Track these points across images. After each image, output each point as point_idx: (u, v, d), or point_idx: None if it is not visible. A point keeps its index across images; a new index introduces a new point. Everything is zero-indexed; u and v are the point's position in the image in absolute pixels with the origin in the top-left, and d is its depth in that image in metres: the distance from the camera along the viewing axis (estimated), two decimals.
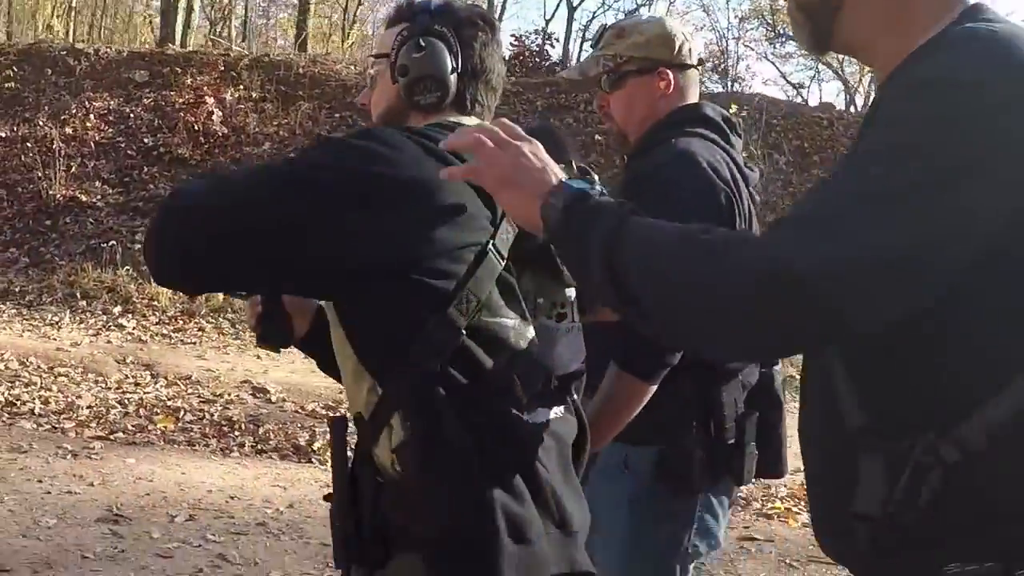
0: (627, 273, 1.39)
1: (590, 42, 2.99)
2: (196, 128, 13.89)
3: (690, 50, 2.73)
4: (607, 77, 2.72)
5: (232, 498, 5.62)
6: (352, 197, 1.72)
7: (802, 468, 1.58)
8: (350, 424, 1.89)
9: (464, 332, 1.74)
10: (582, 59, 3.40)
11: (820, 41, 1.58)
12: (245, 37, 28.05)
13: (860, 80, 29.45)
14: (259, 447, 6.86)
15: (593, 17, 30.33)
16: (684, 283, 1.34)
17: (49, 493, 5.43)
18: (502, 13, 26.33)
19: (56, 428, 6.83)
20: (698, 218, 1.53)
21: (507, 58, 9.12)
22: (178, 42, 19.38)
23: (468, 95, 1.97)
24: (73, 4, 28.23)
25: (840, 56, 29.67)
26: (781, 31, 28.14)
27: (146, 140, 14.04)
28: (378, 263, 1.74)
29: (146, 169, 13.59)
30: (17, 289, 11.40)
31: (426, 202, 1.74)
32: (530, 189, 1.55)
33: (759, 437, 2.61)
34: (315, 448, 6.82)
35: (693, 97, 2.77)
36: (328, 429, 2.03)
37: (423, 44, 1.91)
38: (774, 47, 31.12)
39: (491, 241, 1.79)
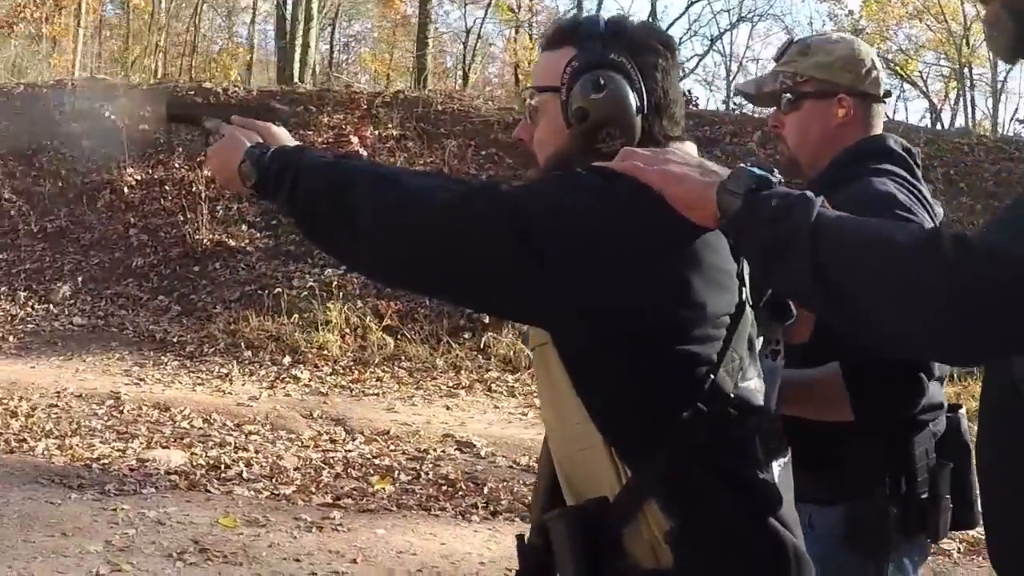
0: (834, 263, 1.38)
1: (774, 56, 2.71)
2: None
3: (876, 79, 2.53)
4: (785, 96, 2.54)
5: (510, 570, 5.18)
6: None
7: None
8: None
9: (732, 397, 1.61)
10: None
11: (1020, 47, 1.50)
12: (331, 73, 27.96)
13: (945, 98, 28.79)
14: (492, 508, 6.43)
15: (680, 42, 30.01)
16: (905, 280, 1.34)
17: (315, 575, 5.05)
18: None
19: (277, 495, 6.46)
20: None
21: None
22: (297, 79, 19.26)
23: (654, 135, 1.75)
24: (160, 44, 28.44)
25: (926, 74, 29.50)
26: None
27: None
28: (638, 331, 1.59)
29: None
30: (175, 339, 11.18)
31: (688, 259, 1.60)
32: (699, 179, 1.53)
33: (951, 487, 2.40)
34: None
35: (876, 129, 2.56)
36: (558, 521, 1.67)
37: (603, 83, 1.69)
38: None
39: (744, 289, 1.68)
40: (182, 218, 13.29)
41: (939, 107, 29.77)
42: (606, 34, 1.75)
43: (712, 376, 1.59)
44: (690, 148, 1.78)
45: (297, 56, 20.41)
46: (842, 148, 2.48)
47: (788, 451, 1.76)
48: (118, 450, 7.34)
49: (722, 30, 29.74)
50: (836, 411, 2.21)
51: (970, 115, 26.65)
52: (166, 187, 14.01)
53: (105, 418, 8.30)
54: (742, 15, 30.38)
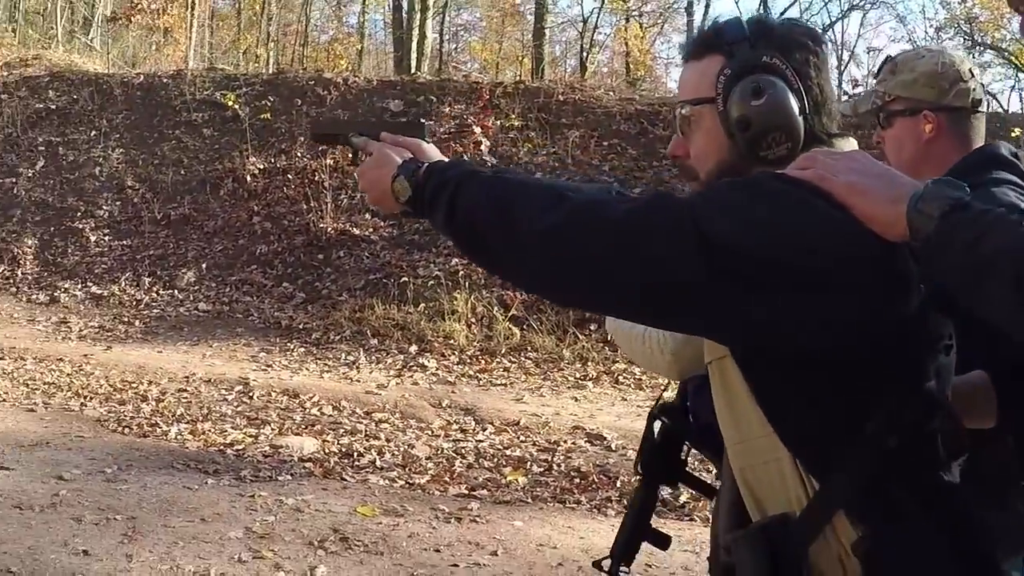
0: None
1: (874, 75, 2.70)
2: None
3: (963, 91, 2.45)
4: (880, 115, 2.53)
5: (648, 566, 4.97)
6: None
7: None
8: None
9: (917, 398, 1.53)
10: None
11: None
12: (442, 62, 27.93)
13: None
14: (626, 501, 6.21)
15: None
16: None
17: (457, 566, 4.92)
18: None
19: (411, 484, 6.35)
20: None
21: None
22: (414, 69, 19.23)
23: (816, 135, 1.68)
24: (272, 34, 28.73)
25: None
26: (978, 39, 26.66)
27: None
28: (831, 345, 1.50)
29: None
30: (301, 326, 11.18)
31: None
32: (887, 193, 1.45)
33: None
34: (681, 503, 6.12)
35: (976, 139, 2.49)
36: (743, 544, 1.60)
37: (761, 88, 1.62)
38: (972, 56, 29.45)
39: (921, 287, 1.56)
40: (305, 206, 13.30)
41: None
42: (752, 36, 1.68)
43: (898, 379, 1.52)
44: (852, 144, 1.72)
45: (414, 46, 20.38)
46: (939, 164, 2.40)
47: (967, 451, 1.65)
48: (250, 436, 7.32)
49: (833, 19, 28.92)
50: (979, 418, 2.08)
51: None
52: (288, 176, 14.04)
53: (235, 404, 8.30)
54: (853, 3, 29.53)
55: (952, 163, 2.41)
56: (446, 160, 1.88)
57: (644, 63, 27.92)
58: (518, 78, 17.53)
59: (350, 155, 2.07)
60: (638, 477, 2.38)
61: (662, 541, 2.33)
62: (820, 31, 1.82)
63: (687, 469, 2.34)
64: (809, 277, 1.47)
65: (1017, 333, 1.38)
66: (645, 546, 2.29)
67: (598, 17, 24.93)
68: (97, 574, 4.65)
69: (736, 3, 26.12)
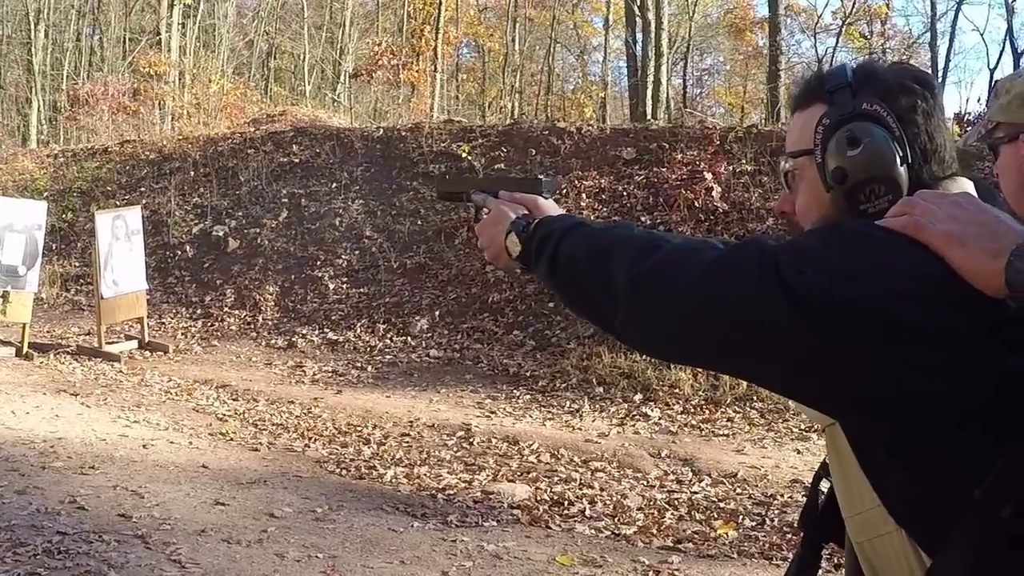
0: None
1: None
2: (695, 205, 13.25)
3: None
4: (988, 144, 2.26)
5: None
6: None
7: None
8: None
9: None
10: None
11: None
12: (684, 106, 27.67)
13: None
14: (835, 560, 5.82)
15: None
16: None
17: None
18: (946, 68, 23.97)
19: (617, 535, 6.15)
20: None
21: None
22: (649, 116, 19.15)
23: (924, 185, 1.52)
24: (515, 85, 29.23)
25: None
26: None
27: (643, 218, 13.58)
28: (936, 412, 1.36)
29: None
30: (528, 373, 11.17)
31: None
32: (987, 245, 1.31)
33: None
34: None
35: None
36: None
37: (858, 137, 1.52)
38: None
39: None
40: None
41: None
42: (855, 83, 1.57)
43: (1008, 440, 1.35)
44: (965, 186, 1.58)
45: (649, 93, 20.32)
46: None
47: None
48: (464, 481, 7.29)
49: None
50: None
51: None
52: None
53: (455, 449, 8.31)
54: None
55: None
56: (554, 215, 1.88)
57: None
58: (751, 123, 17.15)
59: (473, 212, 2.09)
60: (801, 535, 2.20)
61: None
62: (932, 76, 1.60)
63: None
64: (899, 327, 1.33)
65: None
66: None
67: (833, 56, 24.19)
68: None
69: (981, 35, 24.95)
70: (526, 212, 1.92)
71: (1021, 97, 2.16)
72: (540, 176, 2.13)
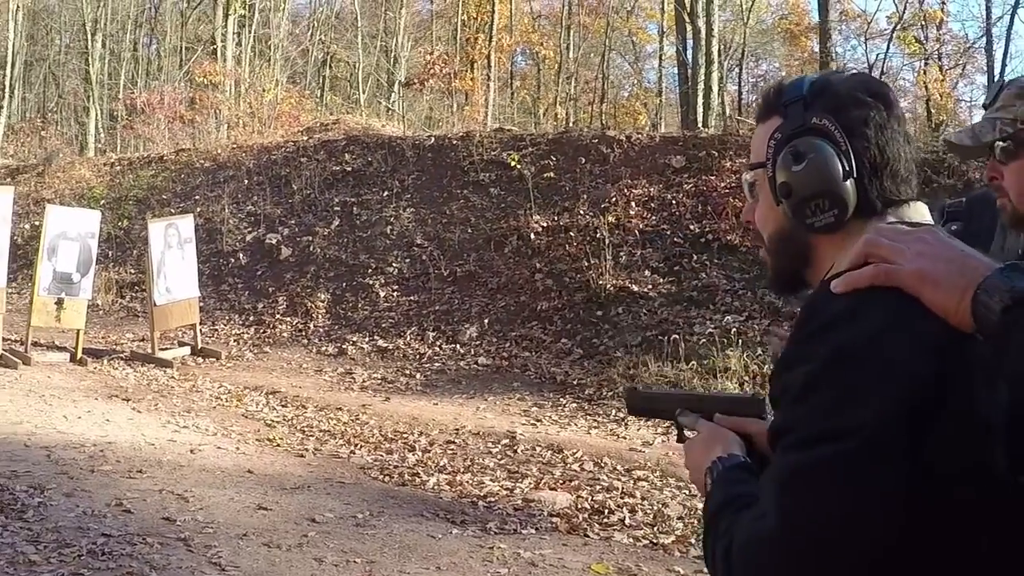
0: None
1: (983, 101, 2.36)
2: None
3: None
4: (999, 145, 2.21)
5: None
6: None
7: None
8: None
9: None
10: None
11: None
12: (739, 113, 27.52)
13: None
14: None
15: None
16: None
17: None
18: (1002, 72, 23.50)
19: (655, 544, 6.15)
20: None
21: None
22: (700, 124, 19.08)
23: (871, 200, 1.51)
24: (570, 93, 29.23)
25: None
26: None
27: (692, 227, 13.58)
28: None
29: (695, 257, 13.07)
30: (575, 382, 11.20)
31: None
32: (956, 280, 1.30)
33: None
34: None
35: None
36: None
37: (802, 152, 1.52)
38: None
39: None
40: (586, 263, 13.39)
41: None
42: (809, 96, 1.56)
43: (995, 496, 1.29)
44: (921, 211, 1.55)
45: (700, 100, 20.26)
46: None
47: None
48: (506, 489, 7.32)
49: None
50: None
51: None
52: (571, 233, 14.19)
53: (498, 456, 8.35)
54: None
55: None
56: (732, 463, 1.68)
57: (946, 107, 26.61)
58: None
59: (675, 429, 1.95)
60: None
61: None
62: (889, 88, 1.60)
63: None
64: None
65: None
66: None
67: (884, 61, 23.90)
68: None
69: None
70: (736, 450, 1.71)
71: None
72: (761, 395, 1.85)
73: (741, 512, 1.47)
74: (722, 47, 26.15)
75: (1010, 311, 1.23)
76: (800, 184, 1.53)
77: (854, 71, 1.71)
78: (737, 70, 31.12)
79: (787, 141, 1.55)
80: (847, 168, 1.50)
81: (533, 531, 6.30)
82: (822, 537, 1.28)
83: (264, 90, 25.27)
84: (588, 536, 6.27)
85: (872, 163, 1.51)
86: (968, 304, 1.28)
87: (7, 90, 33.59)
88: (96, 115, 31.55)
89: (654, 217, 14.07)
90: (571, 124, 22.55)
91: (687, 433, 1.89)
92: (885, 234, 1.42)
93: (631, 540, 6.22)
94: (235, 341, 14.08)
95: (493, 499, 7.05)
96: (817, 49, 26.39)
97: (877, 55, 25.29)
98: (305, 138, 19.47)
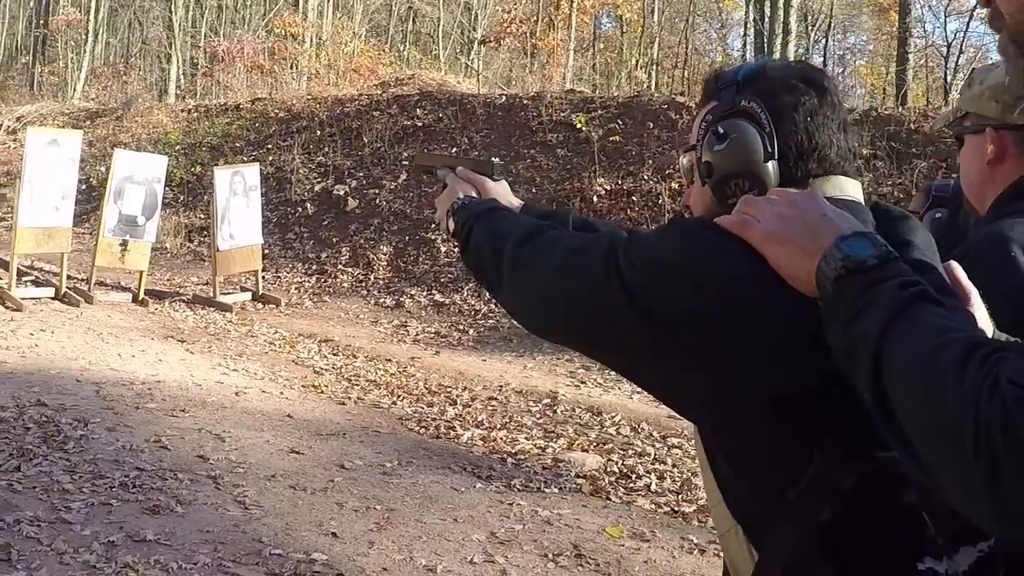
0: (890, 384, 1.15)
1: None
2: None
3: None
4: (955, 132, 2.25)
5: None
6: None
7: None
8: None
9: (867, 465, 1.32)
10: None
11: None
12: None
13: None
14: None
15: None
16: (928, 413, 1.09)
17: None
18: None
19: (675, 511, 6.21)
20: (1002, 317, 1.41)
21: None
22: None
23: (796, 182, 1.51)
24: (653, 57, 29.00)
25: None
26: None
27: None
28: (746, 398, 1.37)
29: None
30: None
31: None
32: (805, 244, 1.31)
33: None
34: None
35: None
36: None
37: (725, 132, 1.54)
38: None
39: None
40: (646, 228, 13.35)
41: None
42: (742, 81, 1.59)
43: (831, 444, 1.34)
44: (843, 185, 1.55)
45: None
46: (1001, 189, 2.15)
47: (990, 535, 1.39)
48: (539, 448, 7.41)
49: None
50: None
51: None
52: (633, 197, 14.19)
53: (537, 415, 8.44)
54: None
55: None
56: (487, 199, 1.99)
57: None
58: (869, 106, 16.79)
59: (440, 186, 2.18)
60: None
61: None
62: (825, 75, 1.61)
63: None
64: (698, 323, 1.37)
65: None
66: None
67: (963, 39, 23.36)
68: (337, 555, 4.88)
69: None
70: (474, 193, 2.01)
71: (993, 89, 2.14)
72: (494, 159, 2.22)
73: (531, 219, 1.85)
74: (808, 17, 25.78)
75: (841, 280, 1.25)
76: (721, 163, 1.55)
77: (795, 61, 1.72)
78: (824, 41, 30.67)
79: (715, 123, 1.58)
80: (768, 150, 1.52)
81: (556, 490, 6.39)
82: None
83: (343, 43, 25.46)
84: (611, 500, 6.34)
85: (799, 147, 1.53)
86: (814, 269, 1.30)
87: (91, 35, 34.22)
88: (178, 62, 32.04)
89: None
90: (644, 89, 22.41)
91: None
92: (771, 193, 1.45)
93: (653, 506, 6.28)
94: (296, 289, 14.32)
95: (523, 457, 7.15)
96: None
97: (955, 32, 24.79)
98: (379, 92, 19.62)
